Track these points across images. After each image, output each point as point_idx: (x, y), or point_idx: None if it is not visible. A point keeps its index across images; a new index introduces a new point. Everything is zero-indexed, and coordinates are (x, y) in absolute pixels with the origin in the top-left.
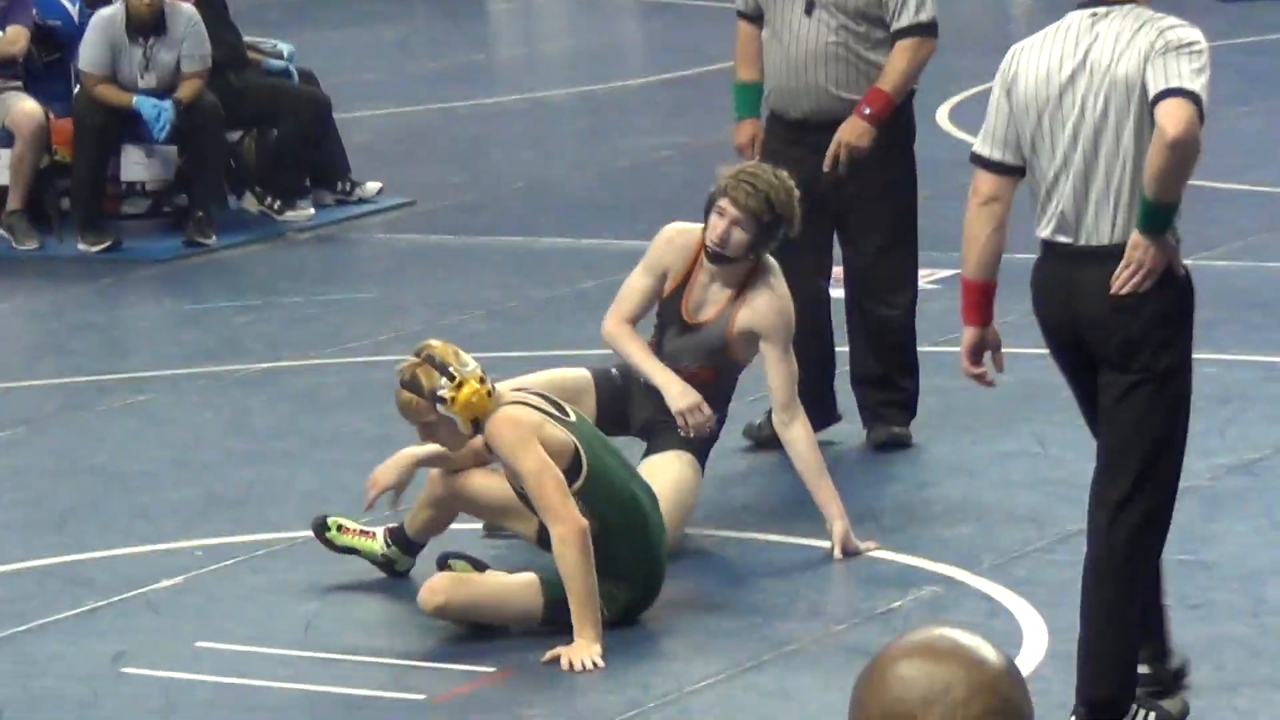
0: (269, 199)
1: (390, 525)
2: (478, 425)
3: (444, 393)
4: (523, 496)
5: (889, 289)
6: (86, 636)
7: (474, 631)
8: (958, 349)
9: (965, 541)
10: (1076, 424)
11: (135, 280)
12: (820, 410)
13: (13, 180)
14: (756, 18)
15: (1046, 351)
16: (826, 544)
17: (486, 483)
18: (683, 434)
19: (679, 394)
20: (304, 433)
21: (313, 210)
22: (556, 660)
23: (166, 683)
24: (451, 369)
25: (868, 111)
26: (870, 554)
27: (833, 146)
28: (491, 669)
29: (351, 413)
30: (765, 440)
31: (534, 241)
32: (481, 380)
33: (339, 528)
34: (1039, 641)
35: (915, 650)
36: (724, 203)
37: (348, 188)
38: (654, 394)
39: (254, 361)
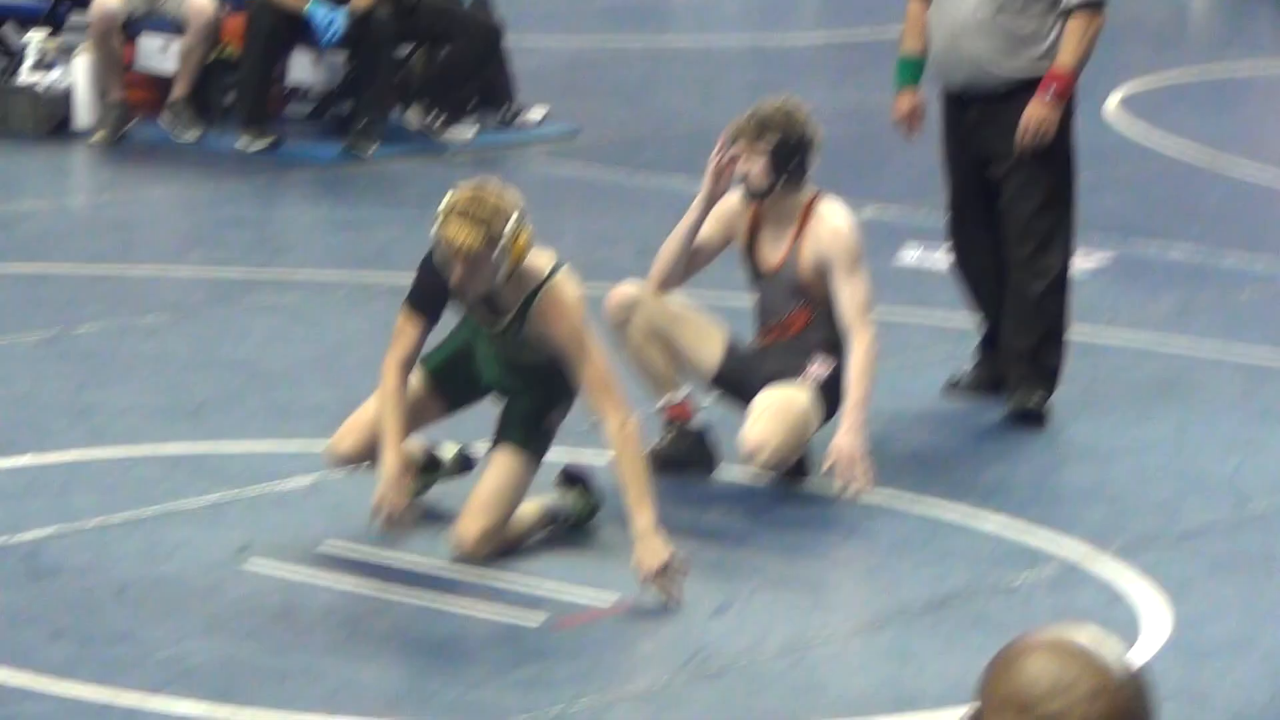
0: (431, 116)
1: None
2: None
3: (508, 229)
4: (537, 376)
5: (1040, 253)
6: (214, 526)
7: (595, 561)
8: (1108, 334)
9: (1094, 525)
10: (1217, 419)
11: (291, 182)
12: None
13: (180, 70)
14: None
15: (1193, 345)
16: (960, 513)
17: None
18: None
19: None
20: None
21: (474, 131)
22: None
23: (288, 582)
24: (517, 213)
25: (1051, 92)
26: (868, 490)
27: (1020, 129)
28: (611, 601)
29: None
30: (972, 385)
31: (692, 184)
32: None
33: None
34: (1158, 631)
35: (1051, 645)
36: (734, 148)
37: (511, 113)
38: (768, 363)
39: (403, 272)
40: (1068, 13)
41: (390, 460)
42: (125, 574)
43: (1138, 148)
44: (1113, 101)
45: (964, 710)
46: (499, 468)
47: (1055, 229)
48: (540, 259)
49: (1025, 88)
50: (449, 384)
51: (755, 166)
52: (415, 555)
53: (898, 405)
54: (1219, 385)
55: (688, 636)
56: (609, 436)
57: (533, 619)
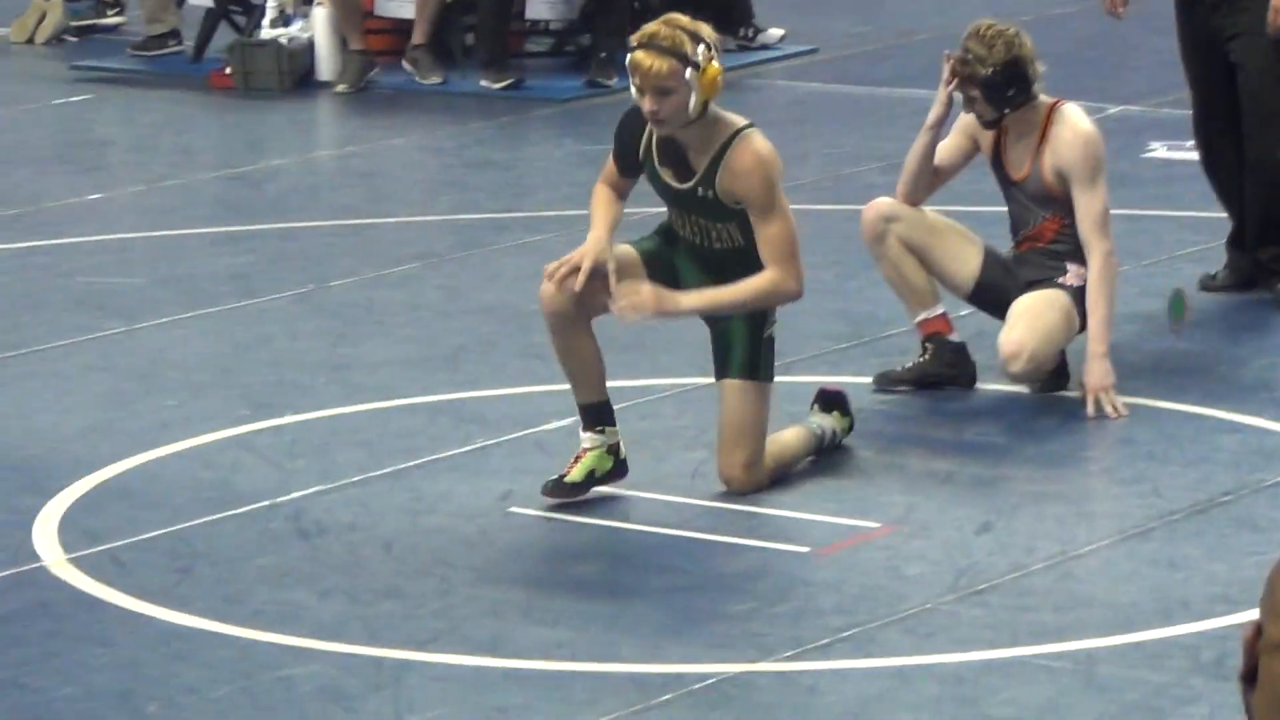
0: None
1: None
2: (703, 112)
3: (700, 58)
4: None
5: (1273, 117)
6: (476, 474)
7: (859, 485)
8: None
9: None
10: None
11: (535, 119)
12: None
13: (419, 14)
14: None
15: None
16: (1219, 413)
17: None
18: None
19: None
20: None
21: None
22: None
23: (553, 524)
24: (708, 41)
25: None
26: (1123, 414)
27: (1272, 11)
28: (876, 524)
29: None
30: (1226, 283)
31: (935, 93)
32: None
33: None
34: None
35: None
36: (952, 87)
37: (750, 34)
38: (1025, 271)
39: (651, 206)
40: None
41: (594, 234)
42: (391, 529)
43: None
44: None
45: (1246, 622)
46: (734, 402)
47: None
48: (734, 117)
49: None
50: (653, 269)
51: (978, 102)
52: (675, 494)
53: (1153, 305)
54: None
55: (953, 557)
56: (764, 282)
57: (798, 547)
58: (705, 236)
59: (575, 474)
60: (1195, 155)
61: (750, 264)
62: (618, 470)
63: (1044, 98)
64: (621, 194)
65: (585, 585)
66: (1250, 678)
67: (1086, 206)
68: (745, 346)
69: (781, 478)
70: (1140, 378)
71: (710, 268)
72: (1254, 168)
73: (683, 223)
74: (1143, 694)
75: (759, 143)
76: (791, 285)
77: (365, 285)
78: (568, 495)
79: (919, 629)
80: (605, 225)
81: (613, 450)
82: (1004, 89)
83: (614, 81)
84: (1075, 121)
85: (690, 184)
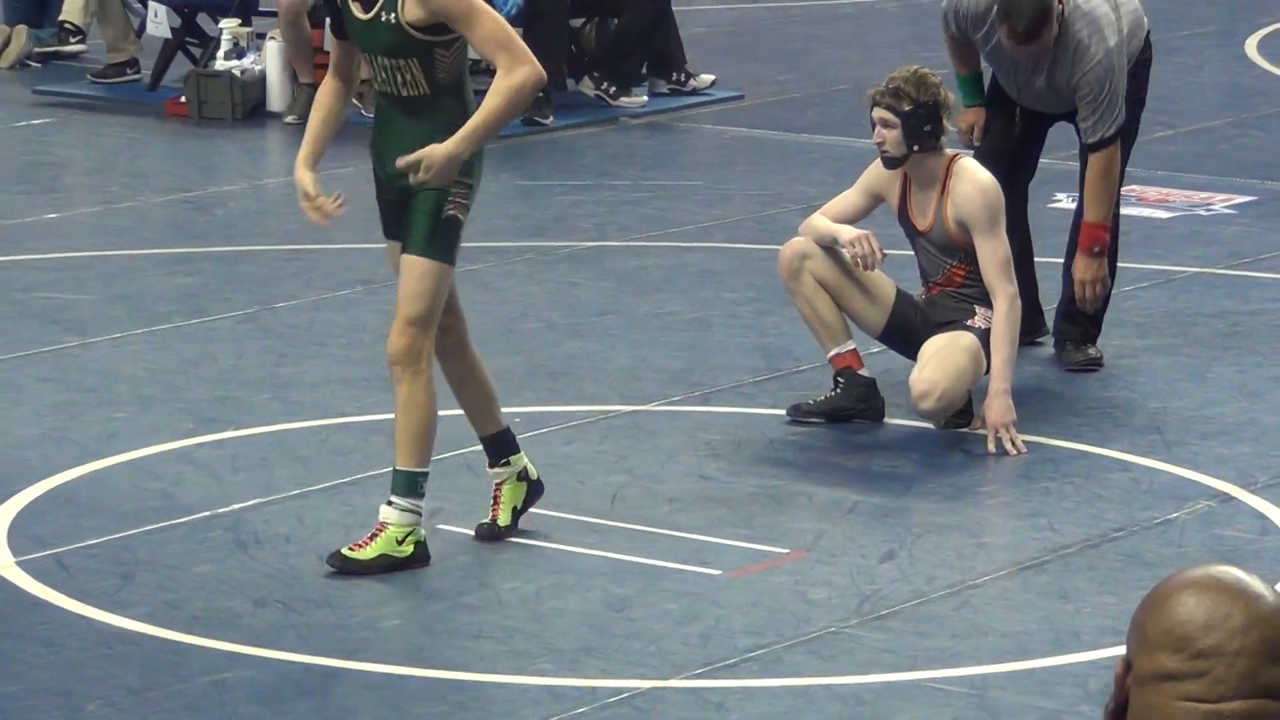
0: (605, 84)
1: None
2: None
3: None
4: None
5: None
6: None
7: (770, 512)
8: (1252, 273)
9: (1243, 460)
10: None
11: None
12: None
13: None
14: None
15: None
16: (1113, 453)
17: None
18: (857, 264)
19: (850, 238)
20: (624, 311)
21: (646, 98)
22: (820, 544)
23: (478, 544)
24: None
25: (1095, 250)
26: (1021, 452)
27: (1078, 290)
28: (785, 550)
29: (670, 295)
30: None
31: (854, 142)
32: None
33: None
34: None
35: (1199, 582)
36: (872, 114)
37: (682, 78)
38: (935, 312)
39: (581, 240)
40: (1089, 149)
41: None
42: (325, 541)
43: (1278, 87)
44: (1252, 43)
45: (1119, 656)
46: (405, 273)
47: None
48: None
49: None
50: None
51: (890, 133)
52: (595, 516)
53: (1050, 350)
54: None
55: (857, 583)
56: (502, 87)
57: (710, 570)
58: (393, 82)
59: (502, 517)
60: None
61: (439, 108)
62: (534, 492)
63: (947, 150)
64: (346, 76)
65: (507, 601)
66: (1120, 713)
67: (989, 253)
68: (423, 223)
69: (693, 499)
70: (1039, 417)
71: (394, 124)
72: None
73: (375, 71)
74: (1034, 719)
75: None
76: (528, 68)
77: (308, 308)
78: (502, 537)
79: (823, 651)
80: (308, 145)
81: (523, 476)
82: (921, 125)
83: (549, 120)
84: (974, 173)
85: (374, 10)
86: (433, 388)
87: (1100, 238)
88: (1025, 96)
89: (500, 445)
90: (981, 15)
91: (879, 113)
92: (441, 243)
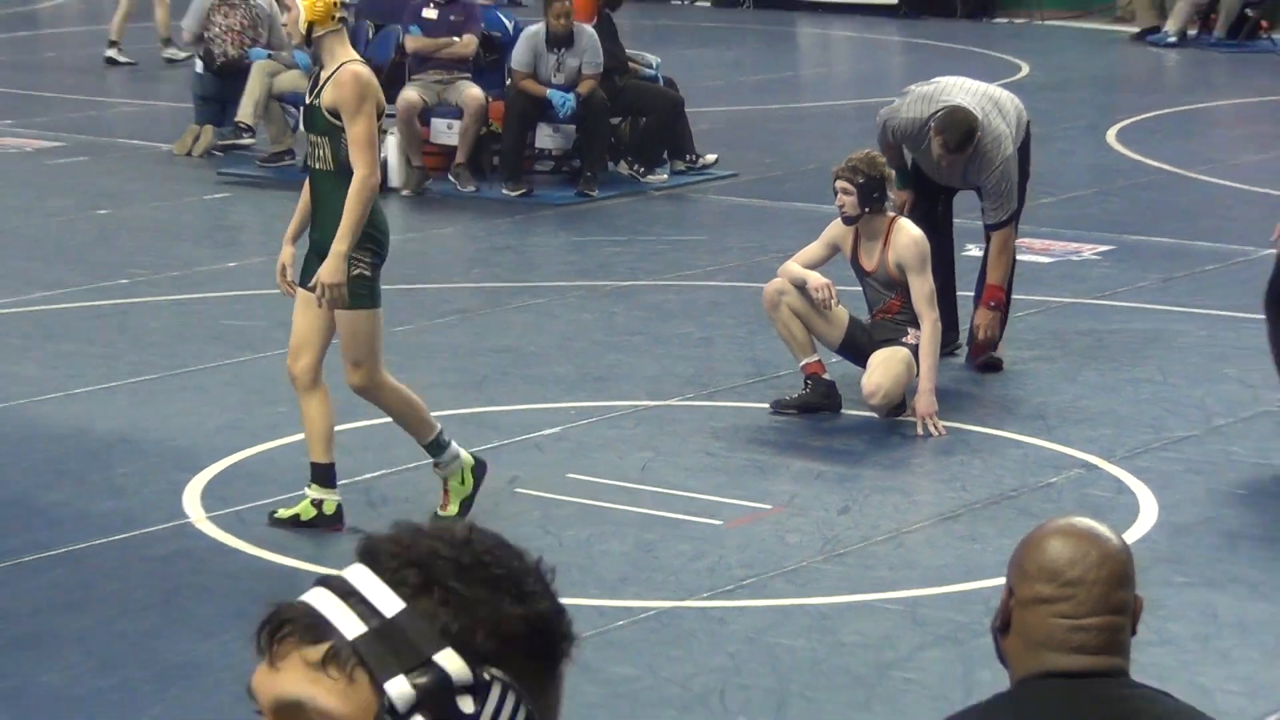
0: (636, 166)
1: None
2: (309, 35)
3: None
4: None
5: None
6: (492, 465)
7: (757, 478)
8: (1111, 302)
9: (1104, 439)
10: (1189, 359)
11: (540, 218)
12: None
13: (461, 143)
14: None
15: (1172, 308)
16: (1009, 434)
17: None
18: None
19: (814, 285)
20: (650, 332)
21: (667, 175)
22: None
23: (545, 501)
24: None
25: (992, 305)
26: (942, 434)
27: (978, 334)
28: (769, 506)
29: (685, 320)
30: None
31: (819, 208)
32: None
33: None
34: (1151, 513)
35: (1064, 529)
36: (835, 184)
37: (693, 159)
38: (878, 332)
39: (619, 280)
40: (990, 229)
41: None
42: (433, 503)
43: (1131, 166)
44: (1112, 133)
45: (1000, 584)
46: (342, 327)
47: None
48: (350, 51)
49: None
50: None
51: (848, 199)
52: (631, 482)
53: (963, 358)
54: (1191, 335)
55: (821, 530)
56: (353, 192)
57: (714, 520)
58: (315, 155)
59: (451, 507)
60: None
61: (340, 184)
62: (479, 472)
63: (889, 213)
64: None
65: (566, 545)
66: (1005, 628)
67: (918, 288)
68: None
69: (701, 469)
70: (955, 408)
71: (316, 195)
72: None
73: (308, 148)
74: (950, 629)
75: (358, 69)
76: (366, 173)
77: (418, 331)
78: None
79: (796, 580)
80: (293, 224)
81: (463, 467)
82: (871, 193)
83: (595, 193)
84: (908, 229)
85: (312, 97)
86: (398, 394)
87: (997, 295)
88: (941, 179)
89: (435, 448)
90: (915, 133)
91: (840, 183)
92: (359, 296)
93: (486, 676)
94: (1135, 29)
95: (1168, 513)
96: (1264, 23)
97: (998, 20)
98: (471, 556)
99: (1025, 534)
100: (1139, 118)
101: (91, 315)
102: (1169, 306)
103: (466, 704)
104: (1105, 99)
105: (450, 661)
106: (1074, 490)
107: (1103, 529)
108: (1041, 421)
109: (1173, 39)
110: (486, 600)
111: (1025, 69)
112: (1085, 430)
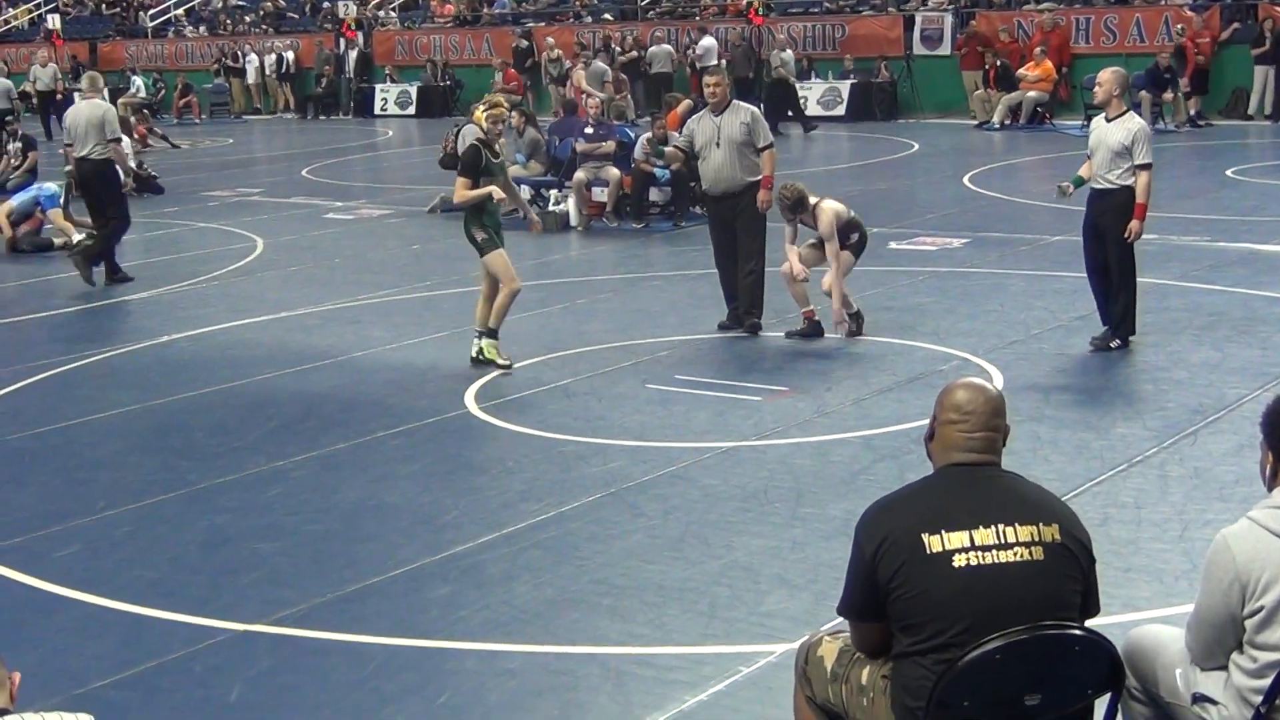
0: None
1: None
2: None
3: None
4: None
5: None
6: (630, 372)
7: (777, 375)
8: (969, 269)
9: (971, 344)
10: (1017, 298)
11: (655, 238)
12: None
13: (608, 199)
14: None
15: (1006, 271)
16: (913, 343)
17: None
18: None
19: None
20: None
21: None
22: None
23: (664, 393)
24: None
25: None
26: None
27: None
28: (785, 388)
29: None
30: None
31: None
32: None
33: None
34: (1000, 382)
35: (965, 384)
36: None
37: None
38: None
39: (698, 270)
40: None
41: None
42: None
43: (977, 195)
44: (966, 178)
45: (929, 419)
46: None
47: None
48: None
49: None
50: None
51: (784, 211)
52: (707, 377)
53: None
54: (1017, 285)
55: (813, 401)
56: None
57: (754, 398)
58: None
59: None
60: (911, 248)
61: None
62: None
63: (814, 200)
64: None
65: (675, 415)
66: (931, 437)
67: (828, 240)
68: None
69: (746, 369)
70: (886, 331)
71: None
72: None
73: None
74: (891, 451)
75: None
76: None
77: (590, 302)
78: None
79: (803, 430)
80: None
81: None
82: (795, 210)
83: (684, 225)
84: (826, 206)
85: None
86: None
87: (769, 182)
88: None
89: (490, 334)
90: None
91: (783, 211)
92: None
93: None
94: (975, 121)
95: (1010, 382)
96: (1047, 115)
97: (900, 121)
98: None
99: (941, 388)
100: (980, 169)
101: (411, 302)
102: (1005, 270)
103: None
104: (960, 160)
105: None
106: (954, 372)
107: (988, 384)
108: (935, 335)
109: (996, 126)
110: None
111: (916, 145)
112: (961, 339)
